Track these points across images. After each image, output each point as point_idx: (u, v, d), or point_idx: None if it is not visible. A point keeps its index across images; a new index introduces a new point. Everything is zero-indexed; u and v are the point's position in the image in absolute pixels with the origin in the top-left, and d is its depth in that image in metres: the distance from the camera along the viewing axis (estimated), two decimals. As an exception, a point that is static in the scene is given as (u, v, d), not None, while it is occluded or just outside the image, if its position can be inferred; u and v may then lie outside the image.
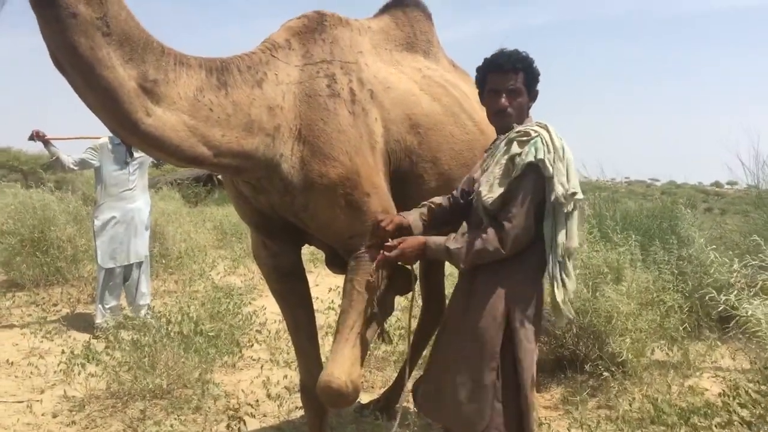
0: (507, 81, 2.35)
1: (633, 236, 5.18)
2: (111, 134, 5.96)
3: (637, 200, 9.72)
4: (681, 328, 4.59)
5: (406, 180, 2.87)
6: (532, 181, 2.20)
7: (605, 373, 4.13)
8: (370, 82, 2.75)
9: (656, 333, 4.52)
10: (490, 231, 2.23)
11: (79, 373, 4.29)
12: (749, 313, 3.10)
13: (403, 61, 3.19)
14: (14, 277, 7.35)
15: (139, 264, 6.15)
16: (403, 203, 2.75)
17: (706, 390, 4.22)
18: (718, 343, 5.12)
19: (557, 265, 2.20)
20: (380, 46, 3.14)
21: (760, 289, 3.40)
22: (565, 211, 2.18)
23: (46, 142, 5.88)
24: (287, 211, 2.59)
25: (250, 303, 6.75)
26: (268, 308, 6.32)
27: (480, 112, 2.97)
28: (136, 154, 6.11)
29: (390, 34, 3.30)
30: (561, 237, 2.18)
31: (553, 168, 2.17)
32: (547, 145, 2.20)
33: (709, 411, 3.07)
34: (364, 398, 4.31)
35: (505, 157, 2.26)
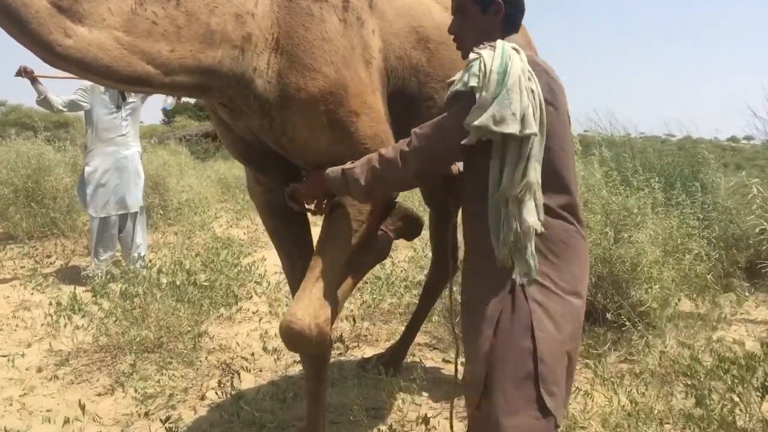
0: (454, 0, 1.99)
1: (655, 179, 4.81)
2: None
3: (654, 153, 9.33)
4: (708, 277, 4.27)
5: (413, 103, 2.53)
6: (458, 109, 1.78)
7: (627, 323, 3.81)
8: None
9: (682, 282, 4.20)
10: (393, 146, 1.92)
11: (65, 326, 4.04)
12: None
13: None
14: (8, 229, 7.10)
15: (134, 214, 5.87)
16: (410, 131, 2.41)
17: (740, 342, 3.91)
18: (747, 294, 4.82)
19: (494, 212, 1.77)
20: None
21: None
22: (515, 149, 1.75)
23: (34, 80, 5.53)
24: (268, 137, 2.26)
25: (250, 254, 6.48)
26: (269, 260, 6.04)
27: None
28: (129, 98, 5.78)
29: None
30: (505, 181, 1.74)
31: (484, 96, 1.72)
32: (484, 70, 1.74)
33: (751, 362, 2.75)
34: (368, 352, 4.05)
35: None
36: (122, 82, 1.90)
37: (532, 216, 1.74)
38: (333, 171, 2.02)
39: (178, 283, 4.30)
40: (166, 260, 5.48)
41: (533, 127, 1.71)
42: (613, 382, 3.41)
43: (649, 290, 3.84)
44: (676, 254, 4.21)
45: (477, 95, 1.72)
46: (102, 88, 5.63)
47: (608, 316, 3.95)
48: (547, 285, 1.77)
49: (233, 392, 3.40)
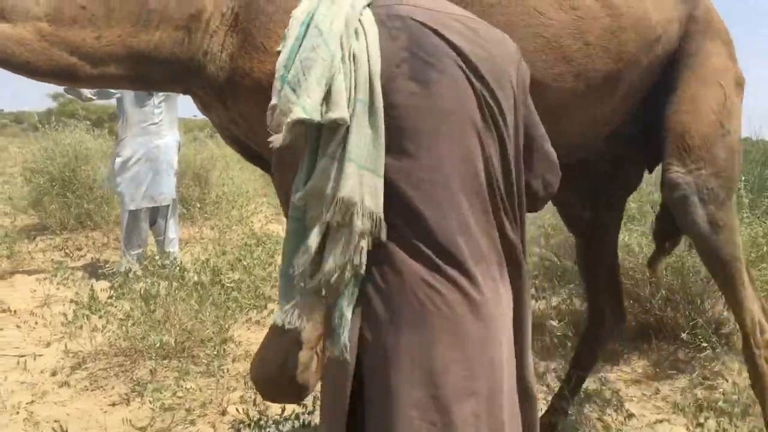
0: None
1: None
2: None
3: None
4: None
5: None
6: None
7: (704, 344, 3.33)
8: None
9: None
10: None
11: (81, 327, 3.77)
12: None
13: None
14: (43, 219, 6.92)
15: (165, 207, 5.59)
16: None
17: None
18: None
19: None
20: None
21: None
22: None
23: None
24: (238, 133, 1.89)
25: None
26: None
27: None
28: (162, 85, 5.49)
29: None
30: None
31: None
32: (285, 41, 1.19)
33: None
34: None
35: None
36: (46, 77, 1.75)
37: (345, 252, 1.14)
38: None
39: (204, 282, 3.97)
40: (196, 257, 5.18)
41: (340, 111, 1.12)
42: (684, 410, 2.97)
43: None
44: (762, 264, 3.69)
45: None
46: (135, 75, 5.38)
47: (683, 335, 3.45)
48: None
49: (257, 409, 3.06)
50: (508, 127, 1.25)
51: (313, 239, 1.14)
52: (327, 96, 1.12)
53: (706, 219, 2.15)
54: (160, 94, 5.48)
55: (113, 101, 5.69)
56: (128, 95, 5.39)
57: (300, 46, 1.15)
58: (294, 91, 1.11)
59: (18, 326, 4.26)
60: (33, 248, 6.18)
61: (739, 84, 2.34)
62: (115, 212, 6.92)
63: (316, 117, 1.10)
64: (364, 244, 1.14)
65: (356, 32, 1.17)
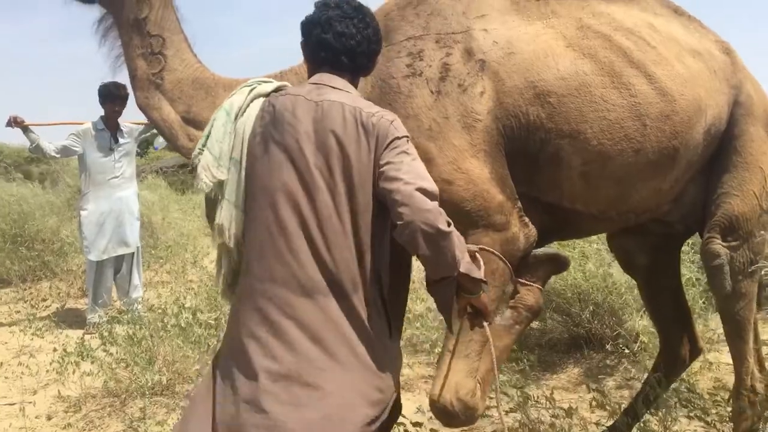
0: None
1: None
2: (94, 120, 5.72)
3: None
4: (701, 302, 4.44)
5: (537, 162, 2.41)
6: None
7: (626, 350, 3.96)
8: (484, 51, 2.38)
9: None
10: None
11: (73, 372, 4.06)
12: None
13: (562, 10, 2.58)
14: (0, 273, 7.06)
15: (130, 255, 5.89)
16: (540, 189, 2.44)
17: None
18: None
19: None
20: (523, 1, 2.58)
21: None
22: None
23: (25, 129, 5.56)
24: None
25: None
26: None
27: (675, 65, 2.51)
28: (121, 140, 5.82)
29: None
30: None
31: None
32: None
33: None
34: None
35: None
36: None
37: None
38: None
39: (183, 324, 4.34)
40: (164, 300, 5.50)
41: (222, 173, 1.89)
42: (613, 407, 3.52)
43: (639, 319, 3.99)
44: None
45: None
46: (93, 132, 5.69)
47: (607, 347, 4.08)
48: None
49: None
50: (333, 173, 1.77)
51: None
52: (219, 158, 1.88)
53: (732, 287, 2.65)
54: (120, 148, 5.82)
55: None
56: (89, 151, 5.70)
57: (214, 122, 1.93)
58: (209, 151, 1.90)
59: (6, 377, 4.48)
60: (-5, 302, 6.33)
61: None
62: (74, 261, 7.13)
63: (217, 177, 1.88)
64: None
65: (242, 113, 1.91)
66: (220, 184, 1.88)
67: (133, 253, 5.90)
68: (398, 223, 1.68)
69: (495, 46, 2.40)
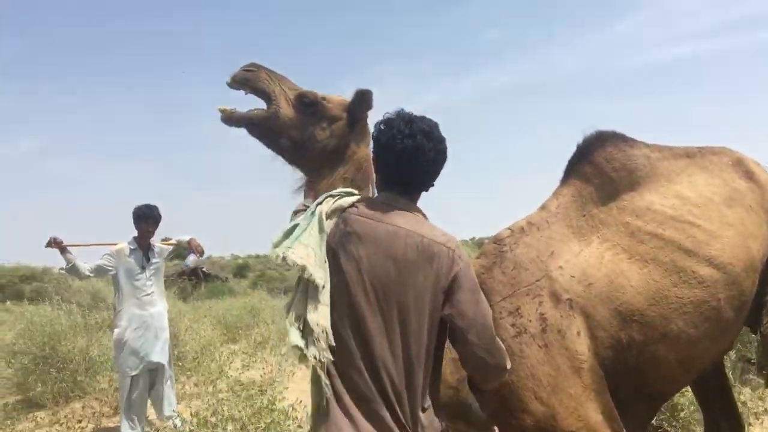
0: None
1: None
2: (128, 240, 5.97)
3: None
4: (730, 375, 4.56)
5: (639, 372, 2.51)
6: None
7: (669, 429, 4.06)
8: (567, 289, 2.47)
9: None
10: None
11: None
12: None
13: (605, 220, 2.72)
14: (32, 397, 7.08)
15: (163, 369, 6.00)
16: (642, 389, 2.56)
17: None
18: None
19: None
20: (574, 221, 2.72)
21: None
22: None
23: (63, 249, 5.80)
24: None
25: (283, 398, 6.56)
26: (303, 401, 6.13)
27: (722, 234, 2.68)
28: (152, 259, 6.06)
29: (582, 196, 2.82)
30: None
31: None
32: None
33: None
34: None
35: None
36: None
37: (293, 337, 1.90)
38: None
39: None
40: (202, 413, 5.55)
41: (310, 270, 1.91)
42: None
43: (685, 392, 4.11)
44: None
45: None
46: (127, 252, 5.94)
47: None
48: None
49: None
50: (388, 298, 1.94)
51: None
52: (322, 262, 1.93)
53: None
54: (152, 267, 6.05)
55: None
56: (123, 271, 5.93)
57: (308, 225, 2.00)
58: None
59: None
60: (33, 426, 6.34)
61: None
62: (105, 380, 7.19)
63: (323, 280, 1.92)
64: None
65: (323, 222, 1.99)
66: (316, 287, 1.90)
67: (166, 368, 6.02)
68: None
69: (573, 281, 2.49)
